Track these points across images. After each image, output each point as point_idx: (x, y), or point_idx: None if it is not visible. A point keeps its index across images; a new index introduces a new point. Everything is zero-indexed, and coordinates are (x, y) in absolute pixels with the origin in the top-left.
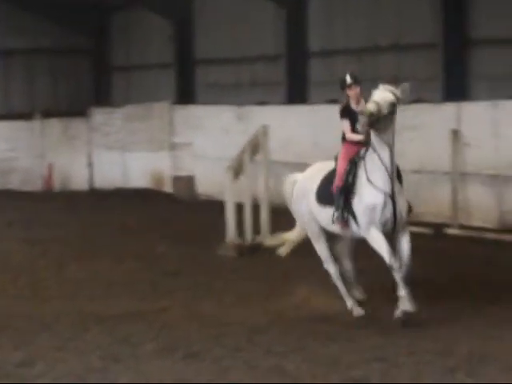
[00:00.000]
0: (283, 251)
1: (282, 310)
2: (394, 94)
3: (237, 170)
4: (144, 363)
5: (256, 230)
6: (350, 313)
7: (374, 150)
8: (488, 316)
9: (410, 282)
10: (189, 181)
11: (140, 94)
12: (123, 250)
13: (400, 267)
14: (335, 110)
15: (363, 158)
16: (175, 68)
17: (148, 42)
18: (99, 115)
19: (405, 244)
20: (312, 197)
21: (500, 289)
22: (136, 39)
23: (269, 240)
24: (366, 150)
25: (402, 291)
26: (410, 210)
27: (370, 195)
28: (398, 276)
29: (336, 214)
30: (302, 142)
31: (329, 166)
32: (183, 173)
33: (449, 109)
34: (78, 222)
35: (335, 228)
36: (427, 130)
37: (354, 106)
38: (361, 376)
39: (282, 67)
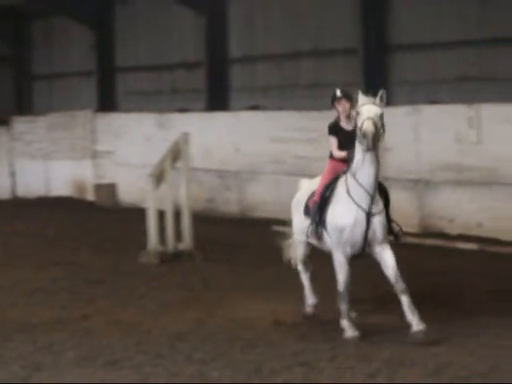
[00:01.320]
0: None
1: (204, 317)
2: (378, 105)
3: (158, 178)
4: (65, 371)
5: (178, 237)
6: (271, 318)
7: (358, 167)
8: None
9: (408, 295)
10: (111, 189)
11: (62, 102)
12: (45, 258)
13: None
14: (256, 116)
15: (345, 173)
16: (97, 76)
17: (69, 49)
18: (21, 124)
19: (389, 259)
20: (302, 207)
21: (421, 293)
22: (57, 47)
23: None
24: (349, 166)
25: (344, 321)
26: (398, 234)
27: (342, 214)
28: (342, 307)
29: (310, 228)
30: (223, 149)
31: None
32: (106, 181)
33: None
34: (0, 230)
35: (312, 241)
36: None
37: (343, 122)
38: (283, 382)
39: (202, 74)
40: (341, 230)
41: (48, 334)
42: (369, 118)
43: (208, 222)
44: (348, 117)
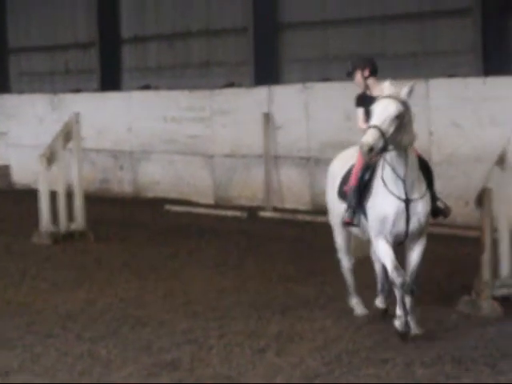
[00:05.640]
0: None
1: (95, 297)
2: (400, 100)
3: (50, 158)
4: None
5: (70, 217)
6: (166, 297)
7: (391, 154)
8: (298, 296)
9: (413, 295)
10: (4, 170)
11: None
12: None
13: (404, 282)
14: (149, 96)
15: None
16: None
17: None
18: None
19: (414, 256)
20: (336, 185)
21: (311, 269)
22: None
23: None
24: None
25: (399, 311)
26: (446, 212)
27: (383, 202)
28: (398, 294)
29: (347, 214)
30: (116, 129)
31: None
32: None
33: (260, 92)
34: None
35: (350, 228)
36: (239, 115)
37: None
38: (172, 359)
39: (94, 54)
40: (382, 221)
41: None
42: (374, 127)
43: (101, 202)
44: (367, 86)
